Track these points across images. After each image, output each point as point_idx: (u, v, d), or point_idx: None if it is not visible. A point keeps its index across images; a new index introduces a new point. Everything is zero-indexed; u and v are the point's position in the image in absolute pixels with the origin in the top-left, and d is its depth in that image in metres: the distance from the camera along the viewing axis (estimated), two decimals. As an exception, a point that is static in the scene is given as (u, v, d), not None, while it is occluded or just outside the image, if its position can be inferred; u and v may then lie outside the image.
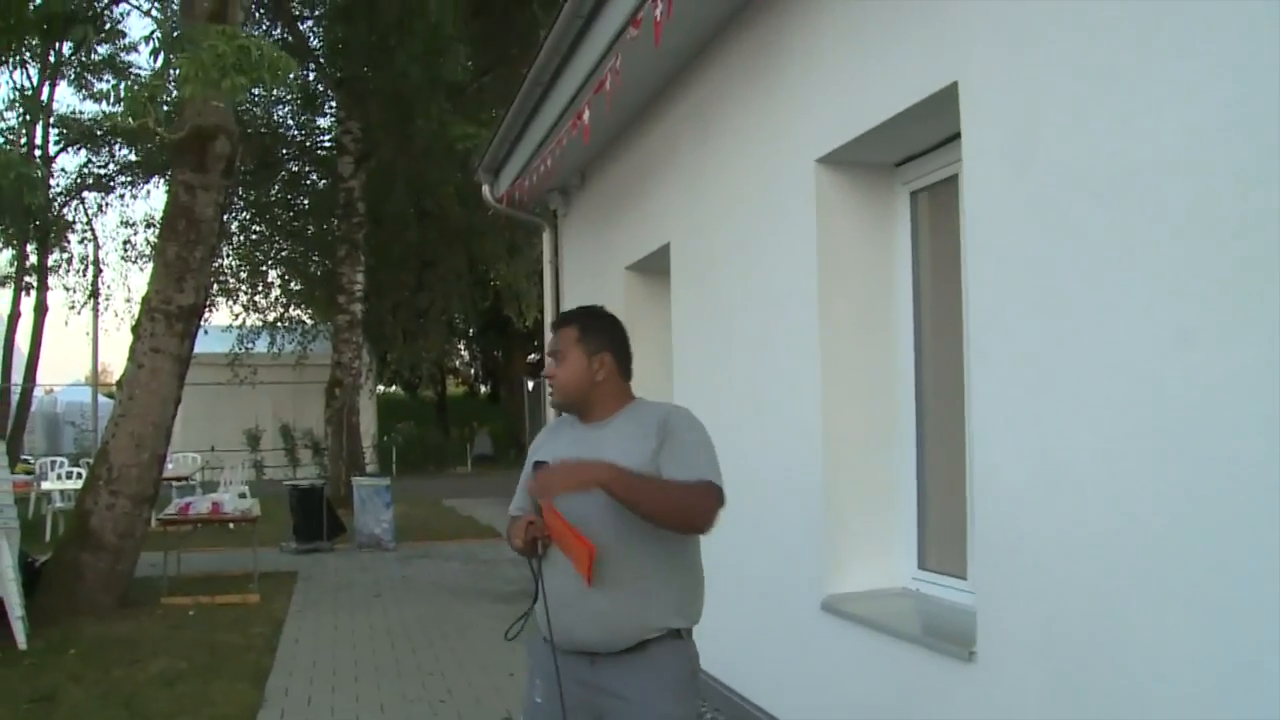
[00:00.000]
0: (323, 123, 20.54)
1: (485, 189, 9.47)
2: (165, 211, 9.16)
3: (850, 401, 4.69)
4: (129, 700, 6.19)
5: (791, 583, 4.92)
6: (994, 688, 3.45)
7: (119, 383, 9.35)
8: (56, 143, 20.78)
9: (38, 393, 27.03)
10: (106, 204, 21.49)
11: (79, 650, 7.47)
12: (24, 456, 19.68)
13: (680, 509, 2.77)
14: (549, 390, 3.02)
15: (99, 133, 20.04)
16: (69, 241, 21.69)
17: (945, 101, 3.68)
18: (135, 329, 9.00)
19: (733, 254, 5.66)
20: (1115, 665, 2.87)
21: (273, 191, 20.74)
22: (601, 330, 3.02)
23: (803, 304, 4.80)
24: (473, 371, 40.14)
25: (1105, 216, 2.90)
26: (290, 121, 20.26)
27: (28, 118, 19.41)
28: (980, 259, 3.51)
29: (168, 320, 8.76)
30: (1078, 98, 3.01)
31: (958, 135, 3.73)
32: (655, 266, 7.43)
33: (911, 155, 4.57)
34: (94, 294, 21.73)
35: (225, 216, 19.90)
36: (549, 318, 9.62)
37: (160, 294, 8.79)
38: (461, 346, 33.45)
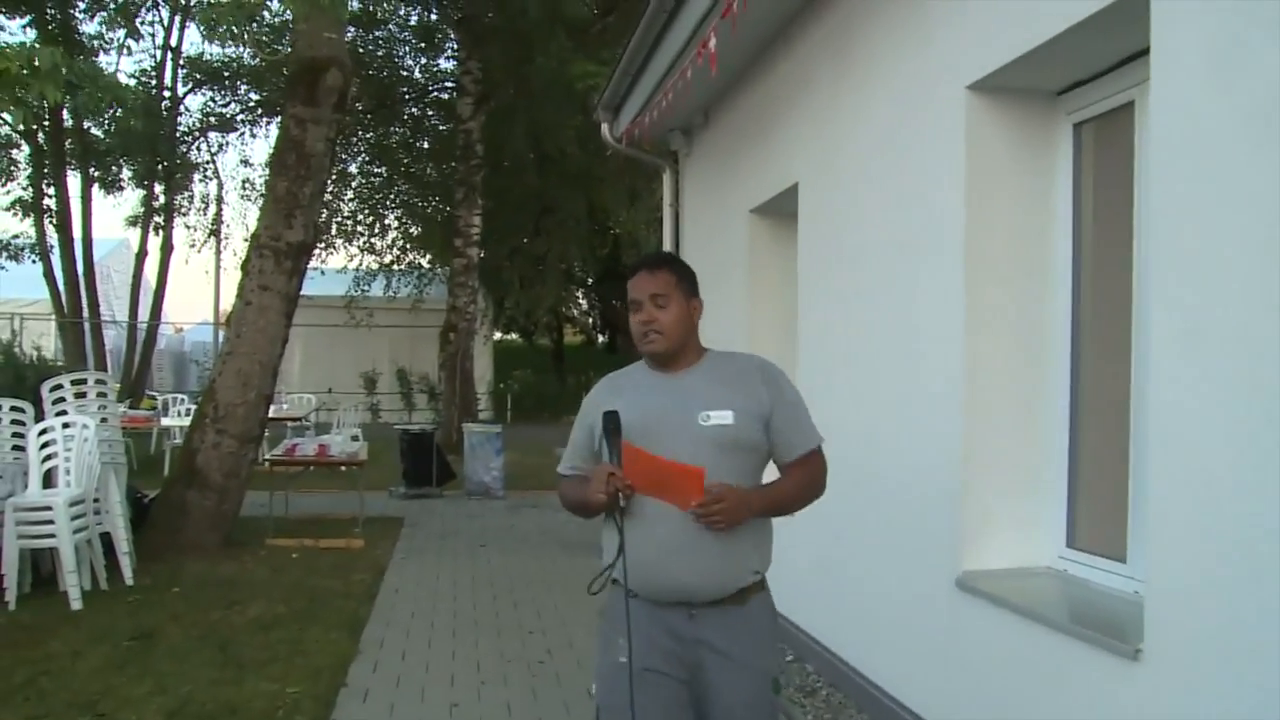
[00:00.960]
0: (444, 65, 20.36)
1: (604, 127, 9.02)
2: (275, 146, 8.96)
3: (997, 357, 4.16)
4: (224, 644, 6.03)
5: (924, 555, 4.43)
6: (1166, 695, 2.95)
7: (227, 320, 9.22)
8: (185, 84, 21.03)
9: (166, 331, 27.74)
10: (226, 143, 21.65)
11: (182, 589, 7.39)
12: (150, 392, 20.12)
13: (809, 496, 2.88)
14: (646, 338, 2.79)
15: (225, 75, 20.21)
16: (192, 181, 21.96)
17: (1128, 9, 3.11)
18: (244, 266, 8.85)
19: (868, 194, 5.13)
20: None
21: (393, 133, 20.64)
22: (691, 276, 2.90)
23: (947, 249, 4.26)
24: (590, 321, 39.97)
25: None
26: (410, 62, 20.11)
27: (154, 58, 19.65)
28: (1169, 193, 2.94)
29: (276, 257, 8.57)
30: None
31: (1135, 56, 3.16)
32: (782, 209, 6.92)
33: (1078, 81, 3.98)
34: (214, 233, 22.01)
35: (345, 158, 19.99)
36: (666, 264, 9.14)
37: (269, 230, 8.61)
38: (579, 295, 33.25)
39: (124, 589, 7.29)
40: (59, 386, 7.94)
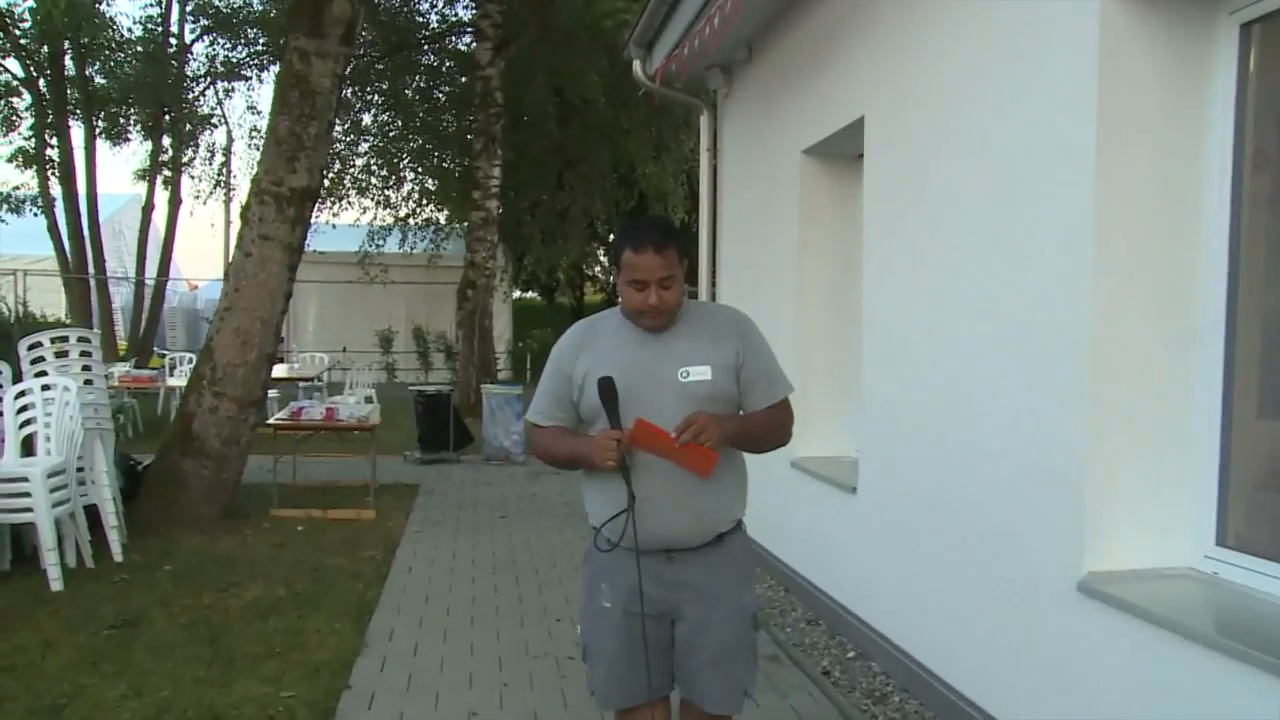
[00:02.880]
0: (461, 13, 19.47)
1: (636, 65, 8.24)
2: (277, 82, 8.18)
3: (1132, 312, 3.41)
4: (215, 635, 5.38)
5: (1039, 555, 3.70)
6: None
7: (226, 273, 8.50)
8: (193, 31, 20.21)
9: (180, 288, 27.10)
10: (233, 89, 20.85)
11: (174, 567, 6.74)
12: (160, 350, 19.52)
13: (778, 437, 2.94)
14: (645, 316, 2.78)
15: (234, 20, 19.40)
16: (201, 132, 21.17)
17: None
18: (243, 213, 8.12)
19: (958, 120, 4.36)
20: None
21: (409, 83, 19.78)
22: (682, 239, 2.87)
23: (1069, 187, 3.51)
24: (611, 279, 39.13)
25: None
26: (425, 6, 19.25)
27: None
28: None
29: (278, 204, 7.83)
30: None
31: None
32: (841, 149, 6.16)
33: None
34: (220, 184, 21.27)
35: (359, 108, 19.20)
36: (704, 211, 8.42)
37: (270, 174, 7.86)
38: (601, 252, 32.48)
39: (111, 567, 6.63)
40: (38, 345, 7.26)
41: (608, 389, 2.70)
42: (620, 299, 2.83)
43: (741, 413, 2.89)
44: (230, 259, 8.39)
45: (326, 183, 19.49)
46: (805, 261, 6.45)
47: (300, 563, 6.94)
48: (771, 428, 2.91)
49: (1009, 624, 3.89)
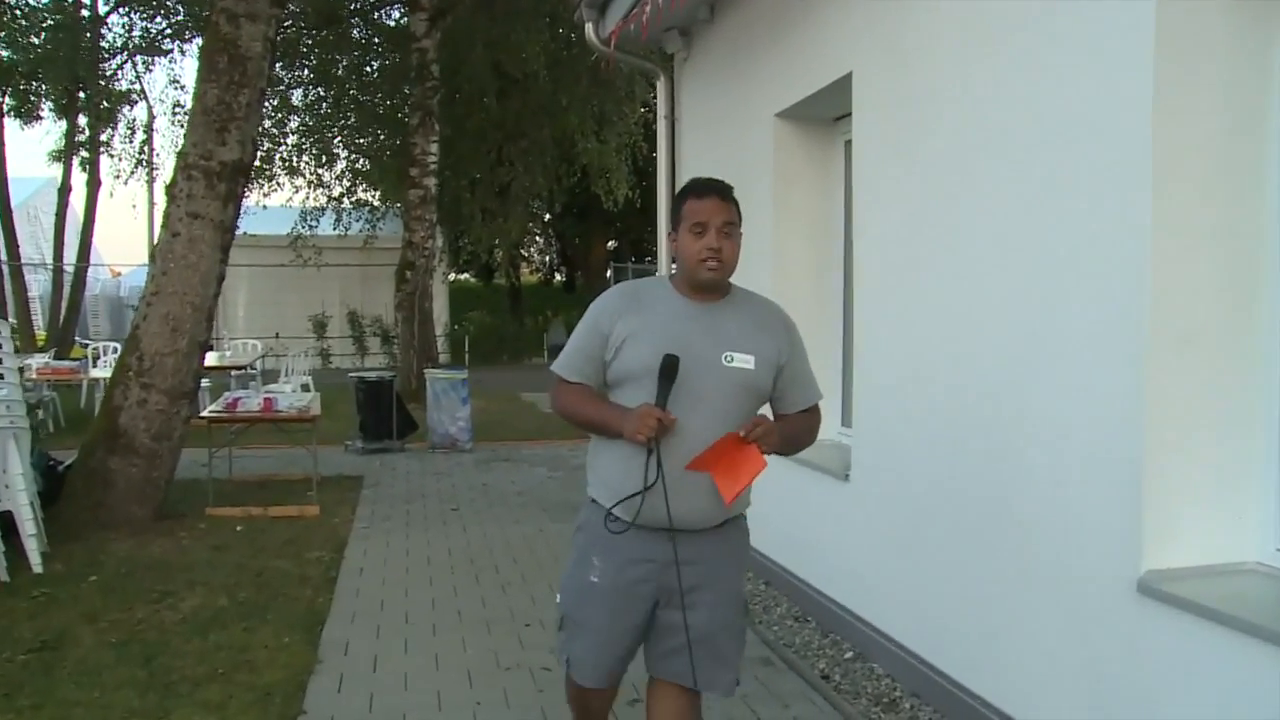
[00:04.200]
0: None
1: (589, 28, 7.74)
2: (203, 47, 7.54)
3: (1192, 287, 3.04)
4: (151, 654, 4.85)
5: (1087, 551, 3.31)
6: None
7: (151, 255, 7.87)
8: (107, 2, 19.20)
9: (103, 275, 26.04)
10: (153, 63, 19.86)
11: (101, 577, 6.15)
12: (81, 341, 18.63)
13: (808, 441, 2.96)
14: (707, 264, 2.74)
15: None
16: (119, 109, 20.12)
17: None
18: (169, 190, 7.50)
19: (973, 70, 3.95)
20: None
21: (338, 61, 18.97)
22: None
23: (1123, 135, 3.12)
24: (547, 260, 38.57)
25: None
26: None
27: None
28: None
29: (208, 179, 7.22)
30: None
31: None
32: (821, 110, 5.75)
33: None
34: (142, 162, 20.27)
35: (287, 83, 18.39)
36: (663, 182, 7.97)
37: (198, 147, 7.24)
38: (538, 234, 31.87)
39: (29, 580, 6.01)
40: (-60, 337, 6.60)
41: (670, 368, 2.66)
42: (679, 257, 2.80)
43: (767, 412, 2.92)
44: (156, 241, 7.75)
45: (256, 161, 18.71)
46: (781, 231, 6.05)
47: (242, 567, 6.40)
48: (808, 430, 2.96)
49: (1050, 626, 3.51)
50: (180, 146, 7.80)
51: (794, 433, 2.88)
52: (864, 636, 4.86)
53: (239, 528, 7.43)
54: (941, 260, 4.19)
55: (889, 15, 4.57)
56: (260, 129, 18.25)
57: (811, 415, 2.96)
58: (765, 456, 2.64)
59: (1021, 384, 3.64)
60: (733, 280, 2.87)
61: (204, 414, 8.41)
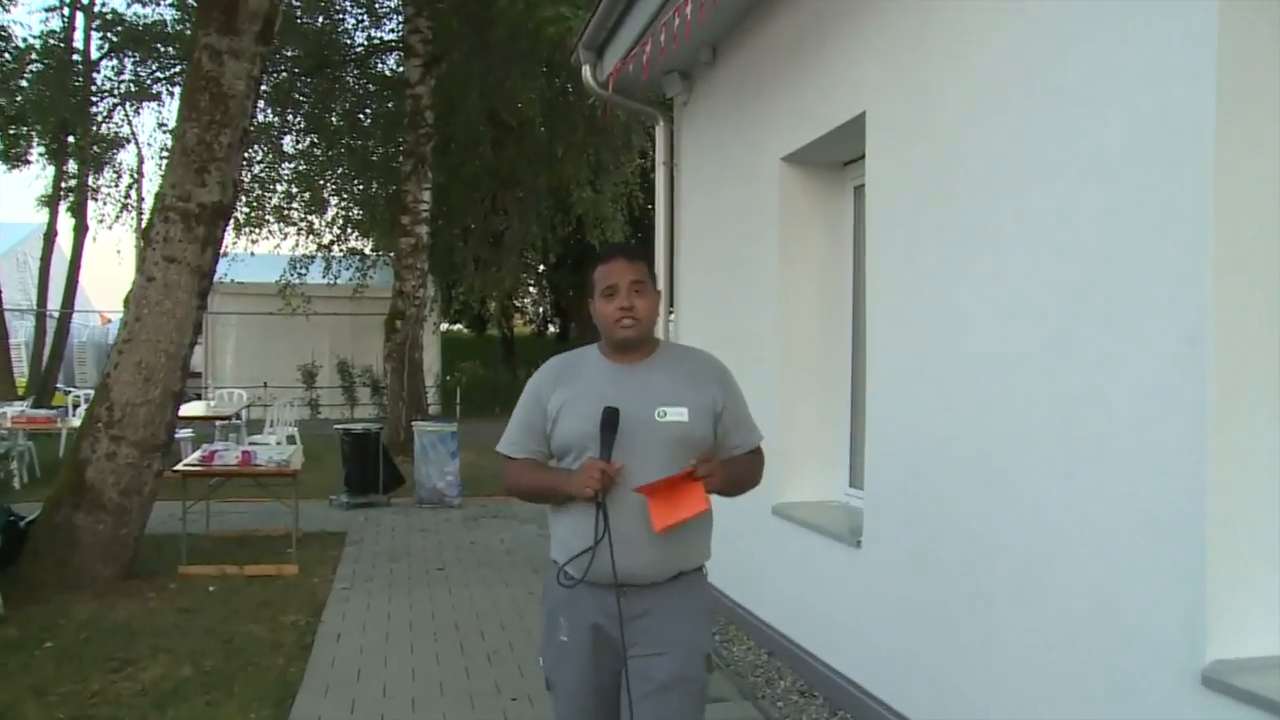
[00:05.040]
0: (387, 36, 18.56)
1: (586, 70, 7.50)
2: (185, 84, 7.26)
3: (1261, 320, 2.72)
4: (102, 731, 4.45)
5: (1144, 635, 2.95)
6: None
7: (125, 300, 7.54)
8: (100, 47, 18.97)
9: (92, 321, 25.65)
10: (141, 108, 19.58)
11: (58, 643, 5.76)
12: (64, 388, 18.23)
13: (752, 482, 3.04)
14: (621, 324, 2.83)
15: (146, 37, 18.21)
16: (109, 155, 19.84)
17: None
18: (145, 233, 7.18)
19: (995, 107, 3.66)
20: None
21: (333, 108, 18.78)
22: (649, 258, 3.34)
23: (1179, 168, 2.82)
24: (540, 310, 38.31)
25: None
26: (350, 21, 18.35)
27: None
28: None
29: (185, 222, 6.91)
30: None
31: None
32: (830, 154, 5.48)
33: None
34: (127, 207, 19.95)
35: (279, 131, 18.17)
36: (661, 229, 7.68)
37: (176, 188, 6.93)
38: (531, 284, 31.58)
39: (-18, 645, 5.65)
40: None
41: (611, 420, 2.71)
42: (598, 322, 2.88)
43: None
44: (132, 286, 7.42)
45: (245, 209, 18.42)
46: (787, 279, 5.73)
47: (211, 632, 6.01)
48: (751, 471, 3.02)
49: (1098, 717, 3.14)
50: (159, 187, 7.50)
51: (738, 474, 2.94)
52: (878, 717, 4.48)
53: (211, 588, 7.04)
54: (968, 306, 3.87)
55: (906, 51, 4.29)
56: (250, 175, 18.25)
57: (755, 457, 3.02)
58: (708, 499, 2.71)
59: (1060, 445, 3.30)
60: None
61: (177, 467, 8.02)
